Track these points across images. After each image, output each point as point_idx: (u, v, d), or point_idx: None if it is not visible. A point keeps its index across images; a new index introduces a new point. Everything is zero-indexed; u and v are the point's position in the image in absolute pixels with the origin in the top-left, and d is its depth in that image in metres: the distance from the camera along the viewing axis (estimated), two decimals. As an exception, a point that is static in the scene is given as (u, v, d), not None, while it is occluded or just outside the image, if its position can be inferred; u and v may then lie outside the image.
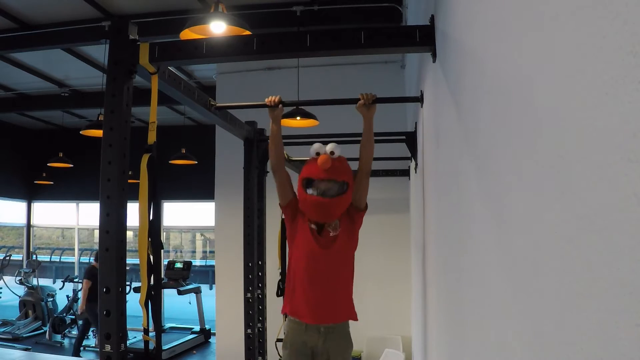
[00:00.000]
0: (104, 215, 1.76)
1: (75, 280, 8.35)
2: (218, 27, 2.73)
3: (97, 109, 6.79)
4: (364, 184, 2.33)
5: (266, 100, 2.36)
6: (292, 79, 5.14)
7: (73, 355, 6.65)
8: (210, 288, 11.00)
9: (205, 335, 8.17)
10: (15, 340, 7.57)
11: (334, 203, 2.22)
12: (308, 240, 2.28)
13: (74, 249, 12.34)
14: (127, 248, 1.82)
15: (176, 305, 9.62)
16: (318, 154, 2.28)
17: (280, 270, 3.63)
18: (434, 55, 1.72)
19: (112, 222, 1.76)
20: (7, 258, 9.38)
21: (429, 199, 2.26)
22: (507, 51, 0.70)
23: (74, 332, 8.08)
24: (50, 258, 12.38)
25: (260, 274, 3.57)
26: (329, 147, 2.26)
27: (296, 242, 2.34)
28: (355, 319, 2.37)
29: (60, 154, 7.74)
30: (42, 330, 7.94)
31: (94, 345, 7.29)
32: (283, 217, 3.53)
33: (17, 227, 11.98)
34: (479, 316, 0.93)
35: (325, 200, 2.20)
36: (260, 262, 3.57)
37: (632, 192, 0.33)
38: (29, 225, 11.67)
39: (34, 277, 8.70)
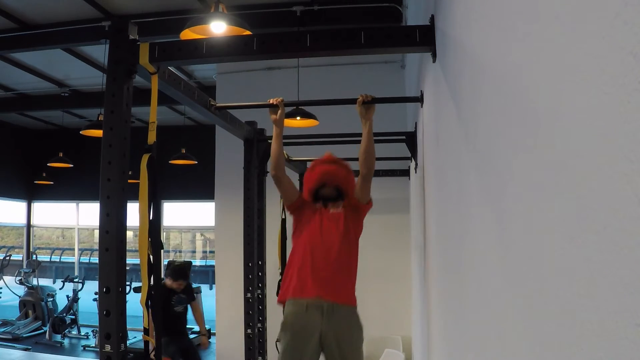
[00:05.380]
0: (104, 215, 1.76)
1: (75, 280, 8.35)
2: (218, 27, 2.73)
3: (97, 109, 6.79)
4: (365, 187, 2.35)
5: (269, 100, 2.38)
6: (292, 79, 5.13)
7: None
8: (210, 288, 10.99)
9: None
10: (15, 340, 7.57)
11: (340, 164, 2.47)
12: (313, 220, 2.38)
13: (74, 249, 12.35)
14: (127, 248, 1.82)
15: (176, 305, 9.59)
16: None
17: (280, 270, 3.63)
18: (434, 55, 1.72)
19: (112, 222, 1.76)
20: (7, 258, 9.38)
21: (429, 199, 2.26)
22: (507, 51, 0.70)
23: (74, 332, 8.09)
24: (50, 258, 12.38)
25: (260, 274, 3.57)
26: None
27: (301, 226, 2.43)
28: (354, 303, 2.34)
29: (60, 154, 7.73)
30: (42, 330, 7.94)
31: (94, 345, 7.30)
32: (283, 217, 3.54)
33: (17, 227, 11.99)
34: (479, 316, 0.93)
35: (332, 159, 2.47)
36: (260, 262, 3.57)
37: (632, 192, 0.33)
38: (29, 225, 11.67)
39: (34, 277, 8.69)
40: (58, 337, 7.70)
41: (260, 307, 3.58)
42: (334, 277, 2.27)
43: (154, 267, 1.81)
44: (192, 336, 7.85)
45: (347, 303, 2.29)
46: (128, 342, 1.83)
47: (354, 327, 2.29)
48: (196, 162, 7.54)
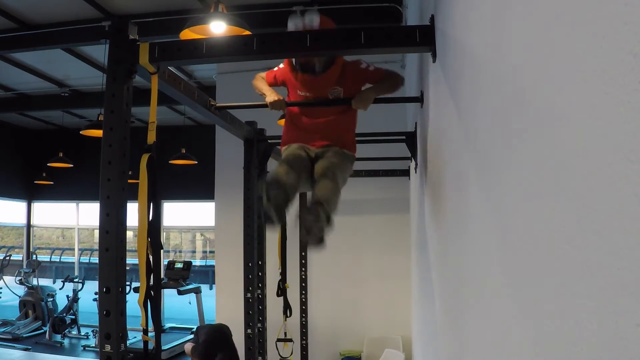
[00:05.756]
0: (104, 215, 1.76)
1: (75, 280, 8.35)
2: (218, 27, 2.73)
3: (97, 109, 6.79)
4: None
5: (268, 101, 2.38)
6: (292, 79, 5.12)
7: None
8: (210, 288, 11.00)
9: (205, 335, 8.16)
10: (15, 340, 7.57)
11: (324, 78, 2.32)
12: (304, 107, 2.39)
13: (74, 249, 12.35)
14: (127, 248, 1.81)
15: (176, 305, 9.62)
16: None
17: (280, 270, 3.63)
18: (434, 55, 1.72)
19: (112, 222, 1.75)
20: (7, 258, 9.38)
21: (429, 199, 2.26)
22: (507, 51, 0.70)
23: (74, 332, 8.09)
24: (50, 258, 12.37)
25: (260, 274, 3.57)
26: (307, 21, 2.15)
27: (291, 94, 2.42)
28: (351, 149, 2.35)
29: (60, 154, 7.74)
30: (42, 330, 7.94)
31: (94, 345, 7.30)
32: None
33: (17, 227, 11.99)
34: (479, 316, 0.93)
35: (315, 78, 2.32)
36: (260, 262, 3.57)
37: (632, 192, 0.33)
38: (29, 225, 11.67)
39: (34, 277, 8.69)
40: (58, 337, 7.71)
41: (260, 307, 3.57)
42: (329, 123, 2.33)
43: (153, 268, 1.81)
44: (191, 336, 7.90)
45: (341, 142, 2.32)
46: (128, 342, 1.83)
47: (345, 154, 2.31)
48: (196, 162, 7.54)
